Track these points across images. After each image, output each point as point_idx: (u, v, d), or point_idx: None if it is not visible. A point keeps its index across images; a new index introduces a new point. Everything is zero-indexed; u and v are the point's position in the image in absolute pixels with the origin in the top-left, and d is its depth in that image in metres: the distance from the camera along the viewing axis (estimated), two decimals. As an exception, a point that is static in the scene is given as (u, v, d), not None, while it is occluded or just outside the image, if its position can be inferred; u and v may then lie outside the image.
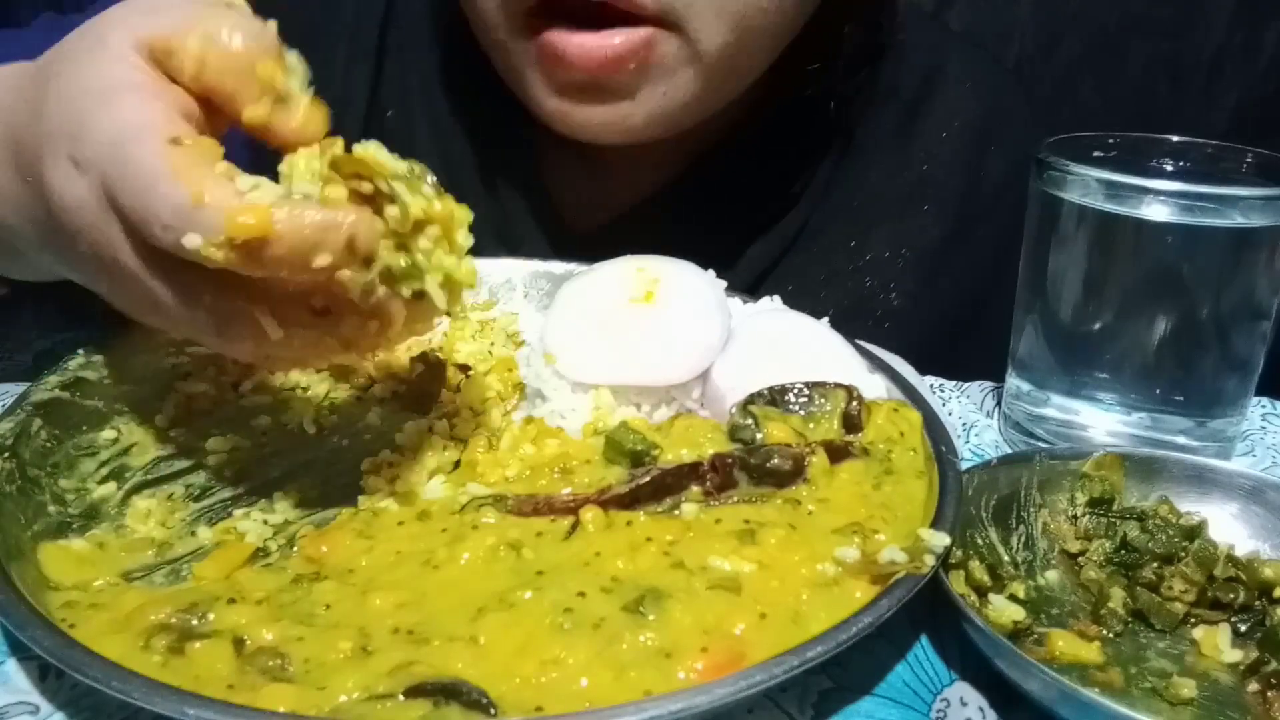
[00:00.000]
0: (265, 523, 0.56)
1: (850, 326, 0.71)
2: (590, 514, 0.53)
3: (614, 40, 0.71)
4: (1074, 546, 0.57)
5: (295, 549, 0.54)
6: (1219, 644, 0.51)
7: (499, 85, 0.82)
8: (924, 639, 0.52)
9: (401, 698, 0.42)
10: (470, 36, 0.82)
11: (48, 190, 0.51)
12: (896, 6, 0.89)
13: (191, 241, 0.45)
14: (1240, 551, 0.56)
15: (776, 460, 0.56)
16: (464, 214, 0.52)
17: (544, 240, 0.90)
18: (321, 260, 0.46)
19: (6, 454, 0.56)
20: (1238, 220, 0.61)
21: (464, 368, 0.72)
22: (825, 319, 0.68)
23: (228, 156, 0.50)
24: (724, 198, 0.88)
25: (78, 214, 0.50)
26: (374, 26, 0.90)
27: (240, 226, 0.44)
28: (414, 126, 0.90)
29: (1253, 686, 0.49)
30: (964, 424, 0.74)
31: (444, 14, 0.88)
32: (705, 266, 0.70)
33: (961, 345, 0.91)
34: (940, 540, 0.50)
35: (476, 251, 0.55)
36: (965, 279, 0.92)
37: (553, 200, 0.91)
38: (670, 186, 0.90)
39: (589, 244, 0.83)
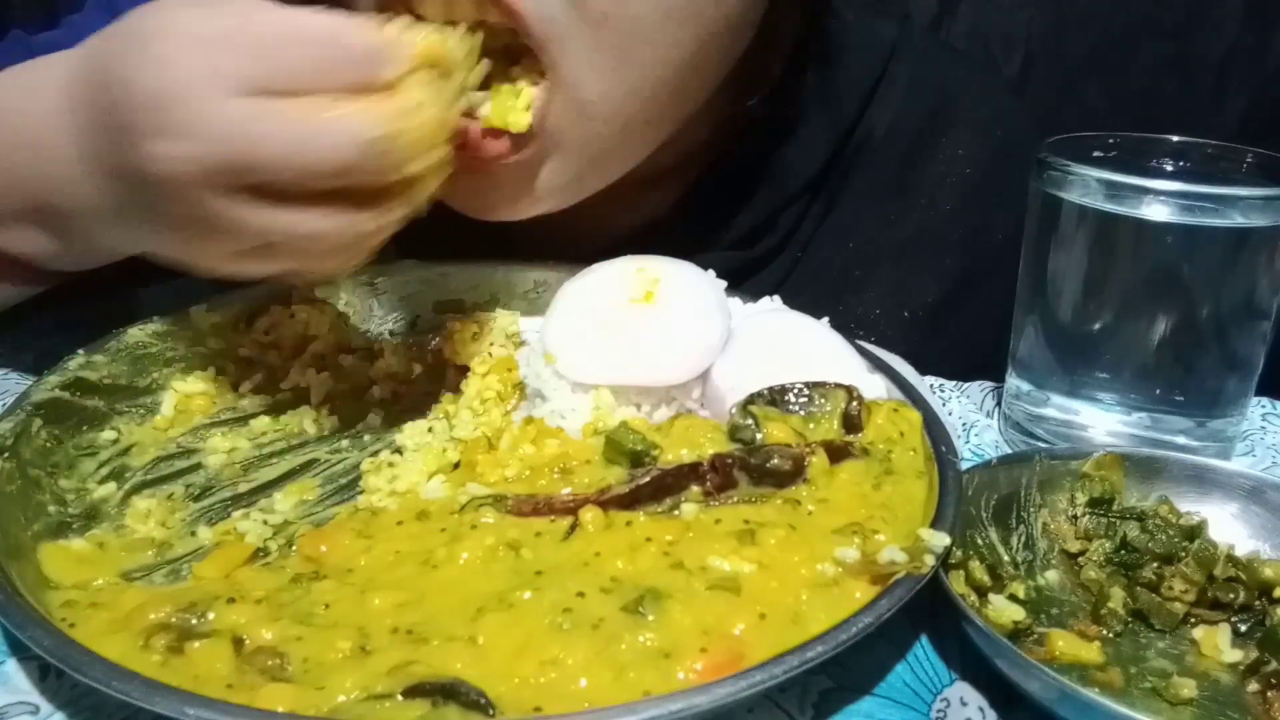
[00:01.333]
0: (265, 523, 0.56)
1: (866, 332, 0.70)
2: (590, 514, 0.53)
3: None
4: (1074, 546, 0.57)
5: (294, 548, 0.54)
6: (1219, 644, 0.51)
7: None
8: (924, 639, 0.52)
9: (400, 698, 0.42)
10: None
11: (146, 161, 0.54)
12: (826, 30, 0.83)
13: (395, 70, 0.55)
14: (1240, 551, 0.56)
15: (776, 460, 0.56)
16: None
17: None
18: (465, 69, 0.60)
19: (6, 454, 0.56)
20: (1238, 220, 0.61)
21: (463, 368, 0.72)
22: (825, 319, 0.68)
23: None
24: (701, 245, 0.80)
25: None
26: None
27: (427, 49, 0.56)
28: None
29: (1253, 686, 0.49)
30: (964, 424, 0.74)
31: None
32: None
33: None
34: (940, 540, 0.50)
35: None
36: (966, 340, 0.85)
37: (523, 246, 0.81)
38: (643, 230, 0.83)
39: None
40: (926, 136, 0.85)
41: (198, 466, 0.62)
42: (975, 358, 0.80)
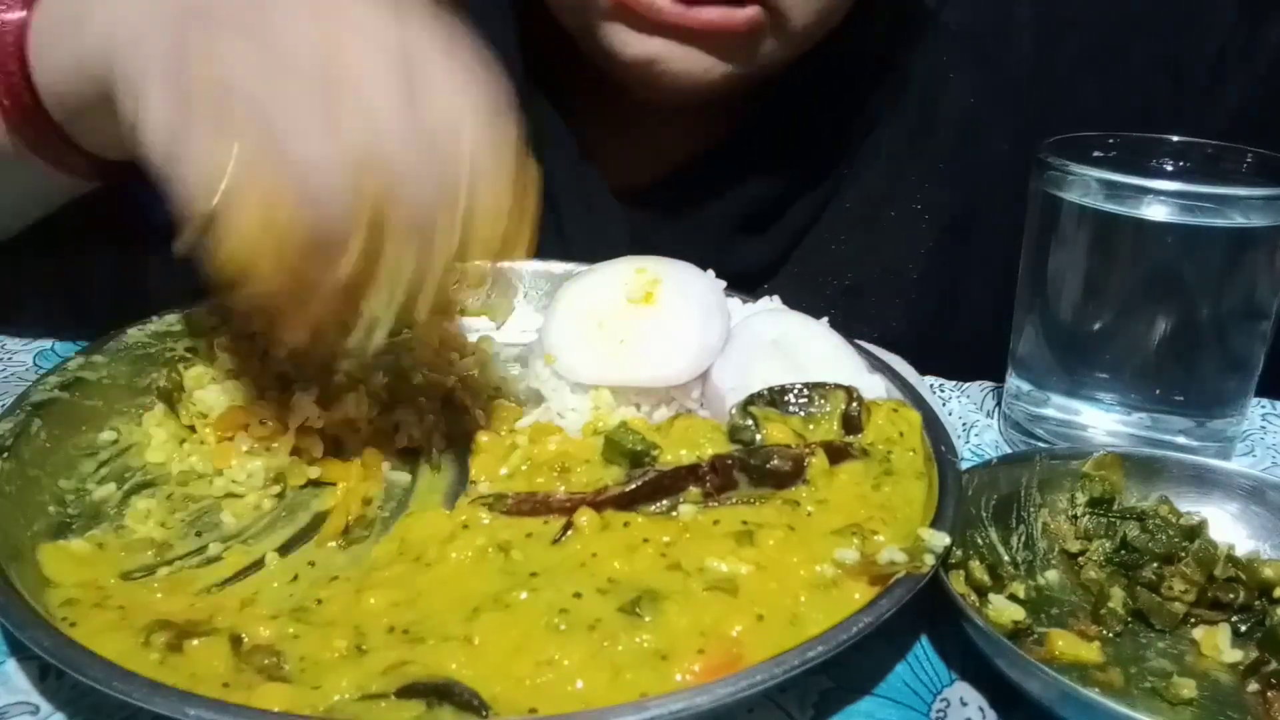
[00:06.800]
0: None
1: (881, 283, 0.85)
2: (584, 517, 0.53)
3: (710, 14, 0.72)
4: (1074, 546, 0.57)
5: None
6: (1219, 644, 0.51)
7: (545, 54, 0.85)
8: (924, 639, 0.52)
9: (394, 698, 0.42)
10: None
11: None
12: None
13: None
14: (1240, 551, 0.56)
15: (776, 461, 0.56)
16: None
17: (585, 201, 0.89)
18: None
19: (6, 454, 0.56)
20: (1238, 220, 0.61)
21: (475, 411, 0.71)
22: (825, 319, 0.68)
23: None
24: (764, 158, 0.88)
25: None
26: None
27: None
28: None
29: (1253, 686, 0.49)
30: (964, 424, 0.74)
31: None
32: (747, 228, 0.79)
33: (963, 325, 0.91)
34: (940, 540, 0.50)
35: None
36: (978, 253, 0.91)
37: (596, 164, 0.90)
38: (712, 149, 0.89)
39: (634, 204, 0.88)
40: (934, 85, 0.91)
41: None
42: (976, 349, 0.83)
